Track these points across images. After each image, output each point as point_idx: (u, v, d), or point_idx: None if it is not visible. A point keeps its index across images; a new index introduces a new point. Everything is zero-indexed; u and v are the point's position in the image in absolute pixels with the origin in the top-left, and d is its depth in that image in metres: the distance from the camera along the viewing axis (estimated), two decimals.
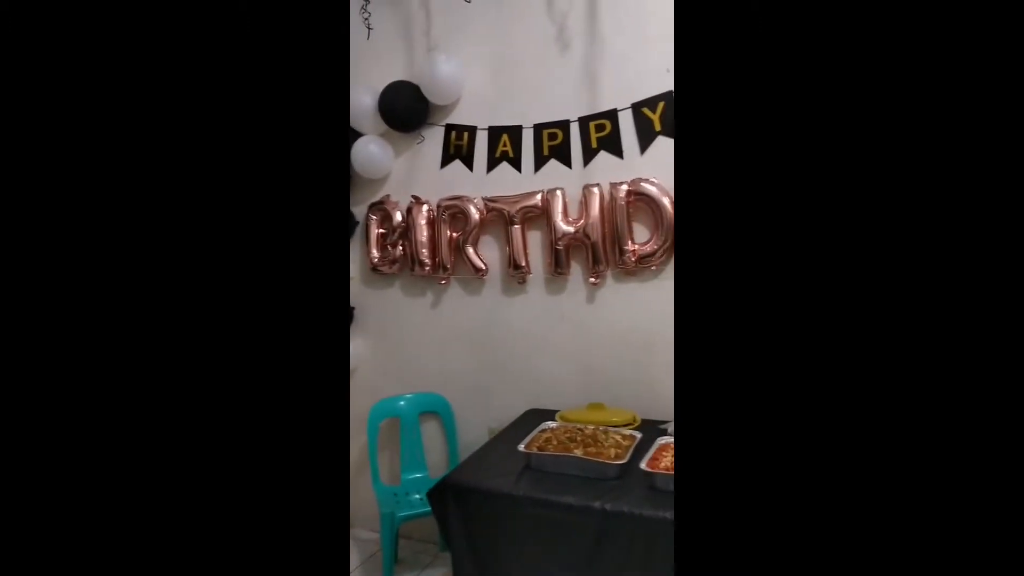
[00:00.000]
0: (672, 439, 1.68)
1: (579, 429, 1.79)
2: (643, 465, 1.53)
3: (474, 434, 2.26)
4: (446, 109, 2.25)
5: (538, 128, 2.11)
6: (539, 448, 1.68)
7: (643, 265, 1.99)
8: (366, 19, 2.29)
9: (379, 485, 2.30)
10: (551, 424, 1.86)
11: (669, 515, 1.37)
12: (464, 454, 2.06)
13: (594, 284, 2.09)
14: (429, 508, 1.72)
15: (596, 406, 2.02)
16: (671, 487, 1.46)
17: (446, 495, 1.63)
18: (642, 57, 1.94)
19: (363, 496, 2.41)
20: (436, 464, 2.38)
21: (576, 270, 2.12)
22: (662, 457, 1.57)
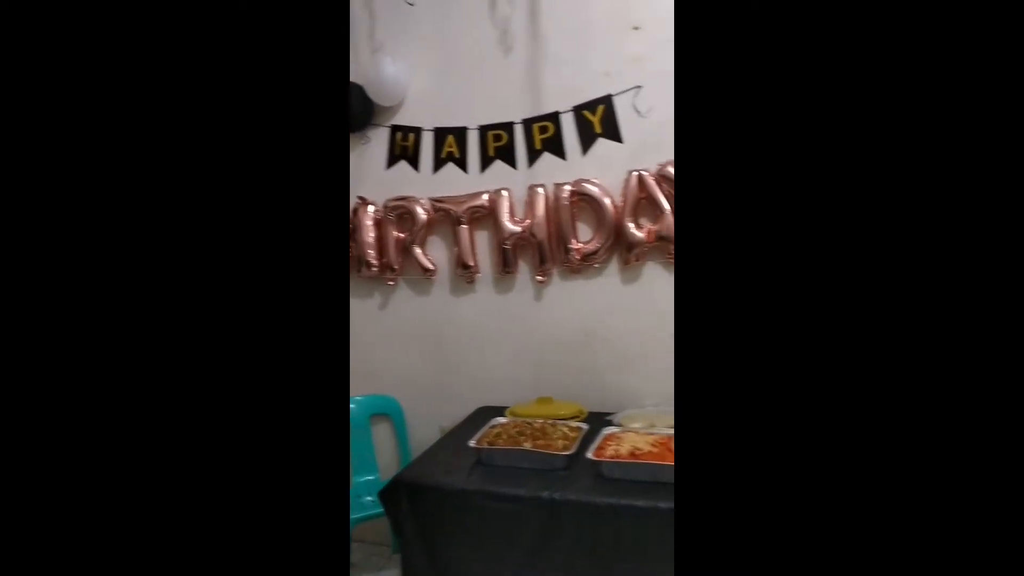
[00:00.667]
0: (616, 429, 1.75)
1: (528, 423, 1.82)
2: (590, 455, 1.58)
3: (425, 434, 2.26)
4: (391, 110, 2.25)
5: (483, 129, 2.14)
6: (489, 443, 1.71)
7: (587, 263, 2.05)
8: None
9: None
10: (501, 420, 1.89)
11: (614, 501, 1.42)
12: (415, 455, 2.06)
13: (541, 282, 2.14)
14: (381, 509, 1.72)
15: (544, 400, 2.06)
16: (616, 475, 1.52)
17: (398, 493, 1.64)
18: (583, 61, 2.00)
19: None
20: (387, 466, 2.37)
21: (523, 269, 2.17)
22: (607, 446, 1.62)
